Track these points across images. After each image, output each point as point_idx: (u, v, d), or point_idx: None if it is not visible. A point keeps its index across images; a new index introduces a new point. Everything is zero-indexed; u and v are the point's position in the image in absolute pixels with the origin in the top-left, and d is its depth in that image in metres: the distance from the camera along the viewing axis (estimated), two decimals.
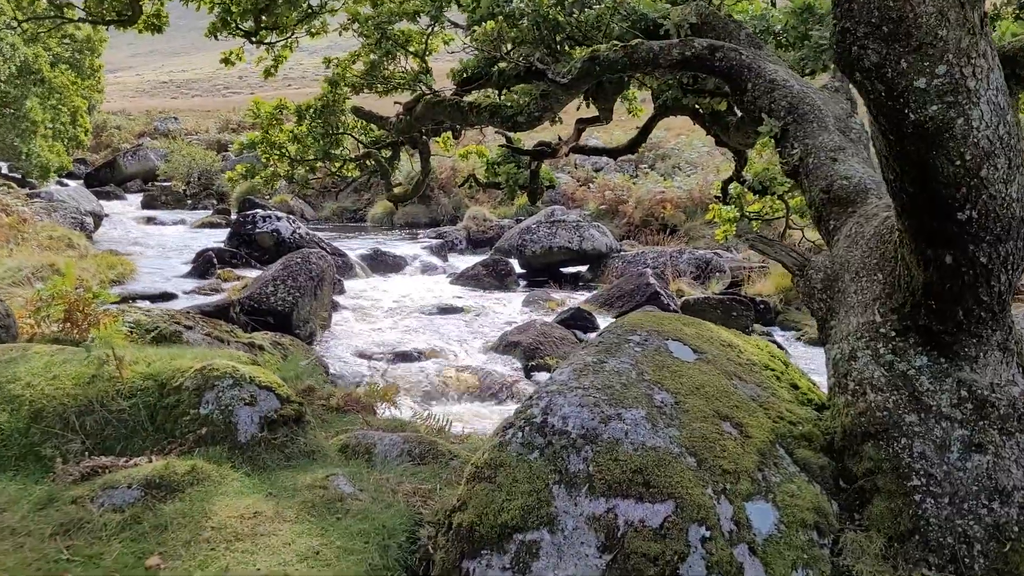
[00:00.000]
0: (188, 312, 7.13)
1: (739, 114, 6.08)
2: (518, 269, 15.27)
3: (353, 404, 4.92)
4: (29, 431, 3.11)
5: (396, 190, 7.47)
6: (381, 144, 7.97)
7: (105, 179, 33.54)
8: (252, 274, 13.07)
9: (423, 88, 6.10)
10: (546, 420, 2.73)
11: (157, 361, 3.43)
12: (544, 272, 15.20)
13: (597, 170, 24.02)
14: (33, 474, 3.00)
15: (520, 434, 2.72)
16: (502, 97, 6.45)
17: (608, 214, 21.36)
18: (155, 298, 10.72)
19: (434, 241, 18.64)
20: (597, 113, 6.66)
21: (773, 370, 3.35)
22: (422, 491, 3.15)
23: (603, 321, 11.12)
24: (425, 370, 9.30)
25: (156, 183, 33.28)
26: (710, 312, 12.04)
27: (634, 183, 21.97)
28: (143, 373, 3.34)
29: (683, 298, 12.11)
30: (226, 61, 7.33)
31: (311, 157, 8.29)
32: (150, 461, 3.00)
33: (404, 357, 9.62)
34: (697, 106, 6.64)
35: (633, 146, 7.51)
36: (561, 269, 15.51)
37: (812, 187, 3.82)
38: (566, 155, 7.24)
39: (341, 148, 8.32)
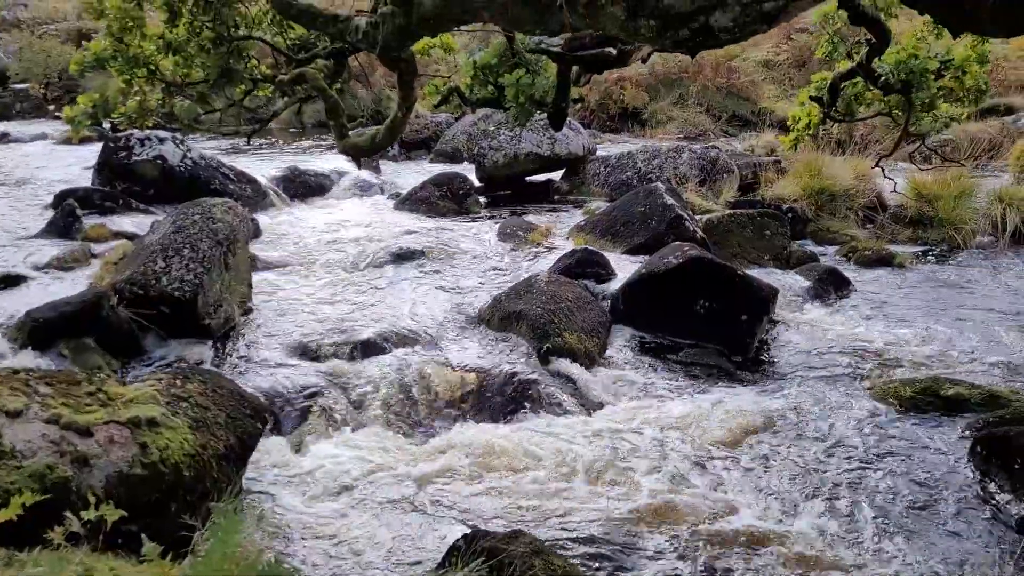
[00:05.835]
0: (19, 373, 4.15)
1: None
2: (475, 182, 12.31)
3: None
4: None
5: (354, 135, 4.48)
6: (312, 54, 4.90)
7: None
8: (135, 223, 9.81)
9: None
10: None
11: None
12: (509, 184, 12.28)
13: None
14: None
15: None
16: None
17: None
18: None
19: None
20: None
21: None
22: None
23: (618, 263, 8.44)
24: (399, 368, 6.52)
25: (9, 87, 28.31)
26: (738, 233, 9.51)
27: None
28: None
29: (705, 216, 9.50)
30: None
31: (200, 78, 5.21)
32: None
33: (366, 349, 6.79)
34: None
35: None
36: (528, 179, 12.60)
37: None
38: (644, 61, 4.40)
39: (245, 60, 5.23)
